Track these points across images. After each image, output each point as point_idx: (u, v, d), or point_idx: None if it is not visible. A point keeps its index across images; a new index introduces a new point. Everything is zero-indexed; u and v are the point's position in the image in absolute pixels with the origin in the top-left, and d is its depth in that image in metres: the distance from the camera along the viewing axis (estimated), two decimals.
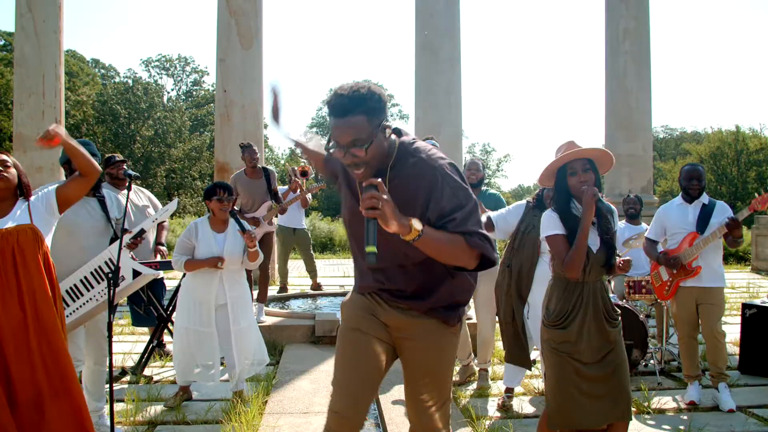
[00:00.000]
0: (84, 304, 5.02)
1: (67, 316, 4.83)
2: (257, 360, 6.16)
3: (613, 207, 4.27)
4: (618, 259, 4.13)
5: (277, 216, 9.32)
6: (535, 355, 6.36)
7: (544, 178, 4.32)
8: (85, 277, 5.05)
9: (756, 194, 5.73)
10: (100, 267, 5.06)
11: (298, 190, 9.72)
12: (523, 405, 6.10)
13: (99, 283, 5.03)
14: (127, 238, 5.20)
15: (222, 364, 6.16)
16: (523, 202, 6.16)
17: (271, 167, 9.54)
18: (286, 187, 10.23)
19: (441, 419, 3.25)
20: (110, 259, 5.04)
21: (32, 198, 4.27)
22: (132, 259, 5.34)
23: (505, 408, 5.94)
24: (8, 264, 3.99)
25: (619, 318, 4.18)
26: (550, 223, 4.23)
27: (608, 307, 4.11)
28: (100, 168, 4.42)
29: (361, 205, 2.64)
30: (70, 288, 5.04)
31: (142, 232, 5.34)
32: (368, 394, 3.14)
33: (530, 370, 6.41)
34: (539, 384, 6.42)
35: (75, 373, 4.18)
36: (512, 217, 6.06)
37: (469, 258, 2.90)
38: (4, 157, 4.23)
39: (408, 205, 2.87)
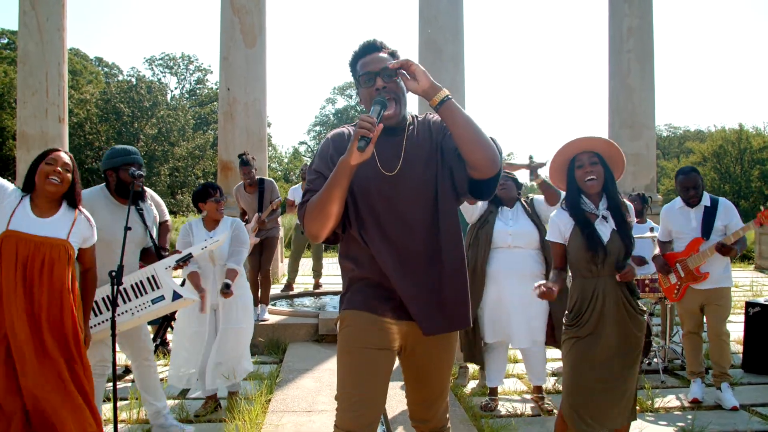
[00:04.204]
0: (120, 314, 4.80)
1: (99, 324, 4.77)
2: (232, 368, 5.94)
3: (628, 202, 4.27)
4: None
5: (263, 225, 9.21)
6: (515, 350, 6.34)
7: (554, 176, 4.33)
8: (125, 289, 4.89)
9: (761, 207, 5.72)
10: (141, 282, 4.92)
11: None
12: (514, 405, 6.11)
13: (138, 297, 4.90)
14: (173, 259, 5.07)
15: None
16: None
17: (269, 179, 9.51)
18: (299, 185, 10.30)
19: (446, 409, 3.33)
20: (153, 276, 4.90)
21: (83, 216, 4.22)
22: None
23: (490, 409, 5.90)
24: (35, 274, 3.93)
25: (644, 315, 4.14)
26: (552, 227, 4.31)
27: (631, 302, 4.07)
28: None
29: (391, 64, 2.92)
30: (106, 296, 4.83)
31: (190, 256, 5.21)
32: (381, 409, 3.15)
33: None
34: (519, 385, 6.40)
35: (88, 387, 4.12)
36: (484, 204, 6.05)
37: (492, 146, 2.88)
38: (68, 160, 4.17)
39: (422, 148, 3.08)
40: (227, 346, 5.87)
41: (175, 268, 5.06)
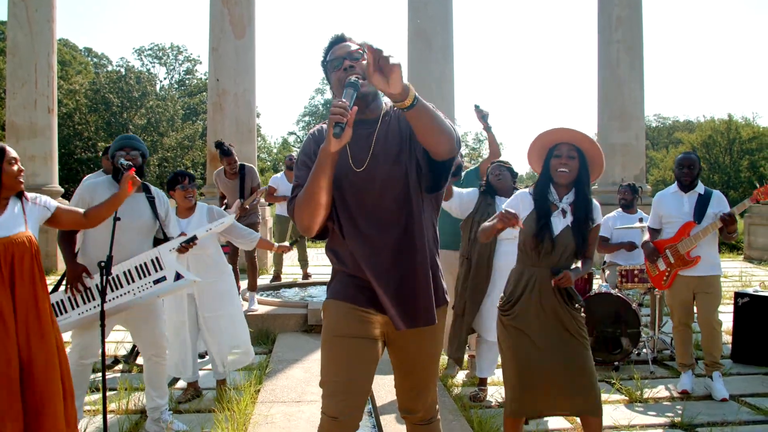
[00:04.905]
0: (122, 295, 4.85)
1: (94, 309, 4.73)
2: (237, 349, 6.08)
3: (596, 203, 4.25)
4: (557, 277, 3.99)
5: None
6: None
7: (533, 160, 4.32)
8: (129, 270, 4.88)
9: (756, 185, 5.73)
10: (144, 263, 4.92)
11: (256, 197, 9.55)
12: (504, 395, 6.08)
13: (141, 278, 4.89)
14: (177, 242, 5.06)
15: (203, 356, 6.28)
16: (476, 188, 6.13)
17: (249, 165, 9.53)
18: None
19: (435, 399, 3.35)
20: (157, 258, 4.91)
21: (28, 201, 4.10)
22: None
23: (478, 400, 5.90)
24: (4, 277, 3.81)
25: (581, 308, 4.16)
26: (513, 201, 4.33)
27: (565, 299, 4.09)
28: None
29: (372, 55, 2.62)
30: (113, 278, 4.84)
31: (194, 238, 5.18)
32: (365, 396, 3.15)
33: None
34: None
35: (58, 394, 3.98)
36: (467, 197, 6.03)
37: (453, 135, 2.89)
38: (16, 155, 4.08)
39: (394, 140, 3.06)
40: (216, 334, 5.89)
41: (180, 251, 5.05)
